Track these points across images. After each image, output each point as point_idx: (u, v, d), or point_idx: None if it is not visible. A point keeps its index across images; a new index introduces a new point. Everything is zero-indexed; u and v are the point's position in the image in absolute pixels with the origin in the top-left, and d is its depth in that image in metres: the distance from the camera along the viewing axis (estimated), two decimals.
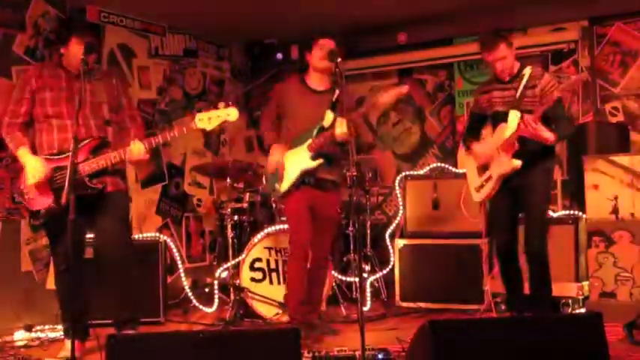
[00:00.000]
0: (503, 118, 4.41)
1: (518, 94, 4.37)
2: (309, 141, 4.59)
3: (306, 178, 4.62)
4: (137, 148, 4.18)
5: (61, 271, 4.28)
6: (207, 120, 4.13)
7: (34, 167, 4.15)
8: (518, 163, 4.35)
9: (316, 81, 4.67)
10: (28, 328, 5.13)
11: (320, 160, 4.59)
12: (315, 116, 4.59)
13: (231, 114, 4.14)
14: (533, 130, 4.18)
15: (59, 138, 4.23)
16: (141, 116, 4.71)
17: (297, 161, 4.61)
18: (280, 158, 4.62)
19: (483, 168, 4.60)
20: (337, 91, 4.57)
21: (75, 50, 4.18)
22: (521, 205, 4.54)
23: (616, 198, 5.05)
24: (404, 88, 4.44)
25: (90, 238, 4.56)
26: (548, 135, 4.26)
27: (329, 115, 4.59)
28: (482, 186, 4.60)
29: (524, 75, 4.40)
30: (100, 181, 4.19)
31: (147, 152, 4.23)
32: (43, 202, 4.17)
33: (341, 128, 4.41)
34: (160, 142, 4.30)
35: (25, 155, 4.21)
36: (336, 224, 5.01)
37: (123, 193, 4.43)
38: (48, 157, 4.21)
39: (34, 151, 4.26)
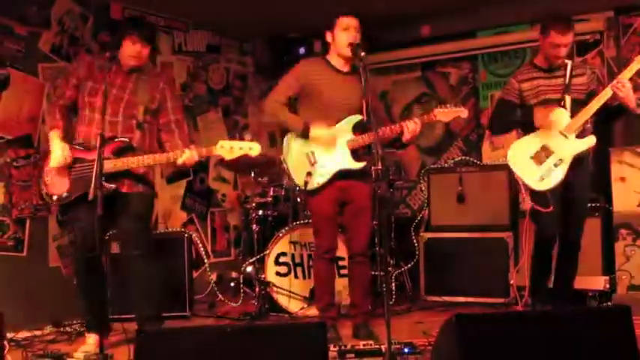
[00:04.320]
0: (555, 105, 4.40)
1: (567, 80, 4.38)
2: (348, 136, 4.40)
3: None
4: (190, 156, 4.13)
5: (78, 264, 4.35)
6: (228, 149, 4.08)
7: (56, 152, 4.19)
8: (594, 139, 4.33)
9: (340, 62, 4.50)
10: (57, 323, 5.19)
11: (364, 163, 4.39)
12: (341, 97, 4.44)
13: (254, 149, 4.10)
14: (628, 90, 4.16)
15: (85, 130, 4.27)
16: (186, 123, 4.65)
17: (333, 156, 4.41)
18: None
19: (545, 154, 4.39)
20: (361, 72, 4.35)
21: (128, 48, 4.21)
22: (567, 194, 4.41)
23: None
24: (464, 113, 4.36)
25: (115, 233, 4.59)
26: (634, 98, 4.25)
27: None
28: (550, 171, 4.35)
29: (567, 64, 4.42)
30: (116, 182, 4.17)
31: (198, 159, 4.21)
32: (59, 189, 4.22)
33: (409, 128, 4.27)
34: (204, 155, 4.25)
35: (52, 138, 4.26)
36: (371, 215, 4.67)
37: (139, 194, 4.33)
38: (73, 146, 4.25)
39: (70, 136, 4.30)
